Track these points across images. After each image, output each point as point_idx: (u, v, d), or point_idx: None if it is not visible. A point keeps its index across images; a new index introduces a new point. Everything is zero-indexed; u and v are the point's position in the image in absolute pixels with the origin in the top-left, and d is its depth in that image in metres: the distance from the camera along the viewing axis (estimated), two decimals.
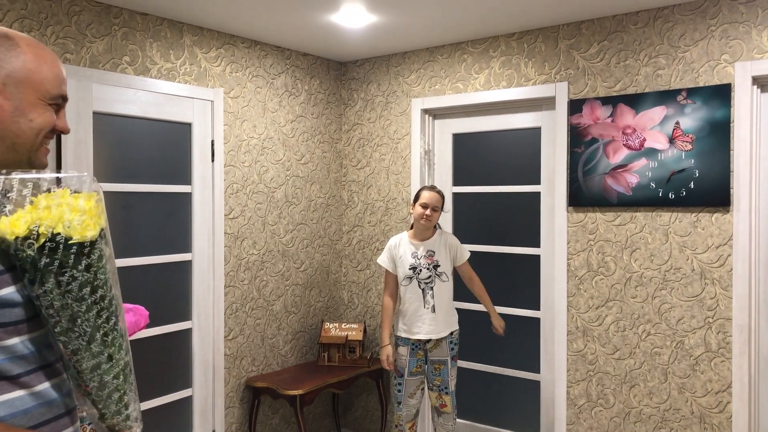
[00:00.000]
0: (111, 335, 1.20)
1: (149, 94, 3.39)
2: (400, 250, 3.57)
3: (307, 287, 4.32)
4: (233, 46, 3.81)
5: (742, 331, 3.07)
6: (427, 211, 3.47)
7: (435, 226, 3.62)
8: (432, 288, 3.50)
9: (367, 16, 3.41)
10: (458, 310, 3.66)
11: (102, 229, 1.15)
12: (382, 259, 3.63)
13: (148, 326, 3.34)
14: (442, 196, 3.54)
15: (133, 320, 2.50)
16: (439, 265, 3.52)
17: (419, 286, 3.50)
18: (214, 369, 3.72)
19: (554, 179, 3.67)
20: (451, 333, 3.55)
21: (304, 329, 4.30)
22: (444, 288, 3.52)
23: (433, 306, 3.49)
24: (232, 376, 3.82)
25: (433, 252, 3.54)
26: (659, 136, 3.27)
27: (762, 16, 3.00)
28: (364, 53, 4.28)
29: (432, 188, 3.54)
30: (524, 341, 3.87)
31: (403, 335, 3.54)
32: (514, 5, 3.27)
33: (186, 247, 3.61)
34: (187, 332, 3.62)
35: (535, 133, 3.80)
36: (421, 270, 3.52)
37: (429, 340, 3.53)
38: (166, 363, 3.54)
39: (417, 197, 3.53)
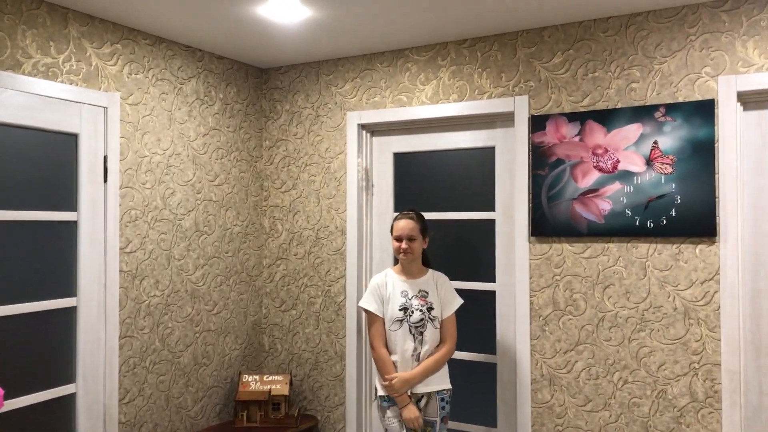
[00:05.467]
0: None
1: (21, 95, 2.65)
2: (388, 288, 2.98)
3: (221, 333, 3.63)
4: (133, 42, 3.12)
5: (733, 378, 2.71)
6: (403, 244, 2.93)
7: (428, 264, 3.09)
8: (422, 333, 2.92)
9: (300, 9, 2.85)
10: None
11: None
12: (367, 302, 2.97)
13: (5, 401, 2.58)
14: (419, 221, 2.99)
15: None
16: (433, 308, 2.96)
17: (410, 331, 2.92)
18: None
19: (513, 205, 3.23)
20: (443, 390, 2.96)
21: (218, 384, 3.60)
22: (435, 335, 2.95)
23: (419, 354, 2.91)
24: None
25: (427, 293, 2.98)
26: (635, 157, 2.90)
27: (747, 25, 2.71)
28: (290, 59, 3.70)
29: (405, 215, 3.00)
30: (477, 390, 3.37)
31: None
32: (466, 7, 2.82)
33: (69, 290, 2.85)
34: (70, 399, 2.86)
35: (488, 153, 3.35)
36: (413, 312, 2.93)
37: (421, 397, 2.93)
38: None
39: (391, 229, 3.01)
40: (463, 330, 3.10)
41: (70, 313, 2.86)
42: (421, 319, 2.92)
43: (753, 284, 2.76)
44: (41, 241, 2.77)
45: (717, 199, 2.74)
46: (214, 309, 3.57)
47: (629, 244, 2.92)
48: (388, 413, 2.92)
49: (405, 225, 2.95)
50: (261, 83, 3.93)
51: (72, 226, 2.87)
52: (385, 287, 2.98)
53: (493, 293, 3.34)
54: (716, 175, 2.74)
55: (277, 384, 3.56)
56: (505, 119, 3.26)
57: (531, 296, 3.13)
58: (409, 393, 2.88)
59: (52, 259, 2.81)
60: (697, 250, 2.79)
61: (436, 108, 3.37)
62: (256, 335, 3.89)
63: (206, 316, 3.52)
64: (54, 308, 2.80)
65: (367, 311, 2.98)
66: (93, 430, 2.92)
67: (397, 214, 3.07)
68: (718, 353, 2.74)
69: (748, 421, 2.75)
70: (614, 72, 2.96)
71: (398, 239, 2.95)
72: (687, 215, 2.79)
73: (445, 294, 3.00)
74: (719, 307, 2.74)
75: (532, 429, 3.12)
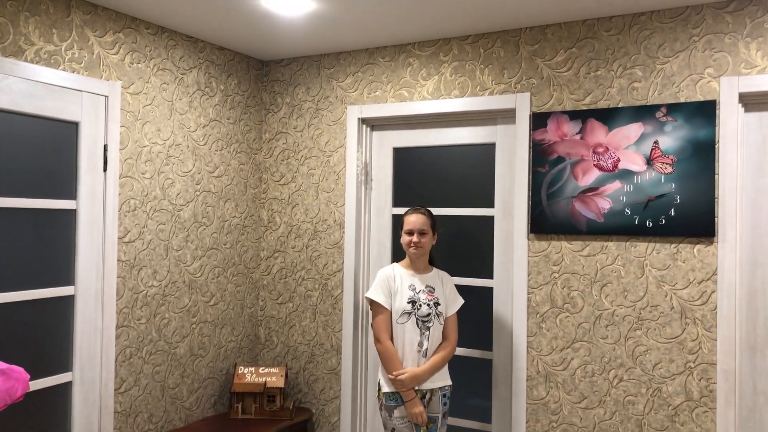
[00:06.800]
0: None
1: (22, 83, 2.64)
2: (396, 281, 2.98)
3: (218, 325, 3.63)
4: (135, 31, 3.11)
5: (728, 378, 2.73)
6: (414, 238, 2.94)
7: (433, 263, 3.10)
8: (429, 329, 2.92)
9: (304, 2, 2.84)
10: None
11: None
12: (375, 294, 2.94)
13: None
14: (430, 216, 3.01)
15: (6, 387, 1.80)
16: (439, 304, 2.97)
17: (417, 324, 2.92)
18: (101, 431, 2.96)
19: (512, 202, 3.23)
20: (445, 386, 2.97)
21: (214, 375, 3.60)
22: (439, 331, 2.96)
23: (426, 350, 2.91)
24: None
25: (433, 288, 2.99)
26: (635, 157, 2.91)
27: (750, 27, 2.72)
28: (292, 51, 3.69)
29: (416, 210, 3.01)
30: (472, 386, 3.38)
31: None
32: (469, 3, 2.82)
33: (67, 278, 2.85)
34: (66, 387, 2.85)
35: (488, 149, 3.36)
36: (421, 305, 2.93)
37: (426, 393, 2.92)
38: (34, 429, 2.75)
39: (402, 224, 3.02)
40: (460, 326, 3.09)
41: (68, 301, 2.85)
42: (429, 314, 2.92)
43: (750, 285, 2.78)
44: (40, 229, 2.76)
45: (716, 200, 2.75)
46: (211, 300, 3.57)
47: (628, 243, 2.93)
48: (396, 413, 2.89)
49: (416, 219, 2.96)
50: (262, 75, 3.92)
51: (71, 215, 2.86)
52: (393, 280, 2.97)
53: (490, 290, 3.34)
54: (716, 176, 2.75)
55: (272, 376, 3.56)
56: (506, 116, 3.26)
57: (529, 293, 3.14)
58: (415, 389, 2.89)
59: (50, 247, 2.80)
60: (695, 250, 2.80)
61: (437, 103, 3.37)
62: (253, 327, 3.89)
63: (203, 308, 3.52)
64: (51, 296, 2.79)
65: (374, 302, 2.95)
66: (88, 418, 2.92)
67: (408, 209, 3.07)
68: (713, 353, 2.76)
69: (742, 421, 2.77)
70: (616, 71, 2.97)
71: (409, 233, 2.96)
72: (686, 215, 2.80)
73: (449, 293, 3.02)
74: (716, 307, 2.76)
75: (526, 425, 3.13)
